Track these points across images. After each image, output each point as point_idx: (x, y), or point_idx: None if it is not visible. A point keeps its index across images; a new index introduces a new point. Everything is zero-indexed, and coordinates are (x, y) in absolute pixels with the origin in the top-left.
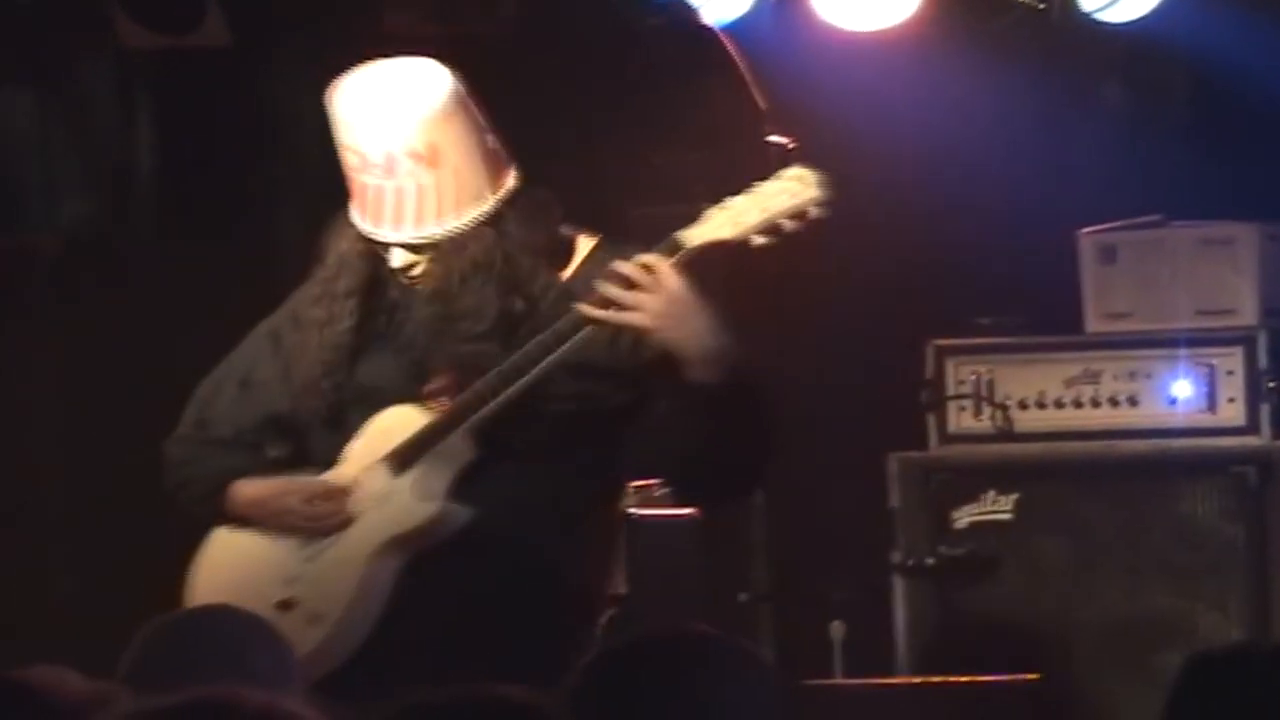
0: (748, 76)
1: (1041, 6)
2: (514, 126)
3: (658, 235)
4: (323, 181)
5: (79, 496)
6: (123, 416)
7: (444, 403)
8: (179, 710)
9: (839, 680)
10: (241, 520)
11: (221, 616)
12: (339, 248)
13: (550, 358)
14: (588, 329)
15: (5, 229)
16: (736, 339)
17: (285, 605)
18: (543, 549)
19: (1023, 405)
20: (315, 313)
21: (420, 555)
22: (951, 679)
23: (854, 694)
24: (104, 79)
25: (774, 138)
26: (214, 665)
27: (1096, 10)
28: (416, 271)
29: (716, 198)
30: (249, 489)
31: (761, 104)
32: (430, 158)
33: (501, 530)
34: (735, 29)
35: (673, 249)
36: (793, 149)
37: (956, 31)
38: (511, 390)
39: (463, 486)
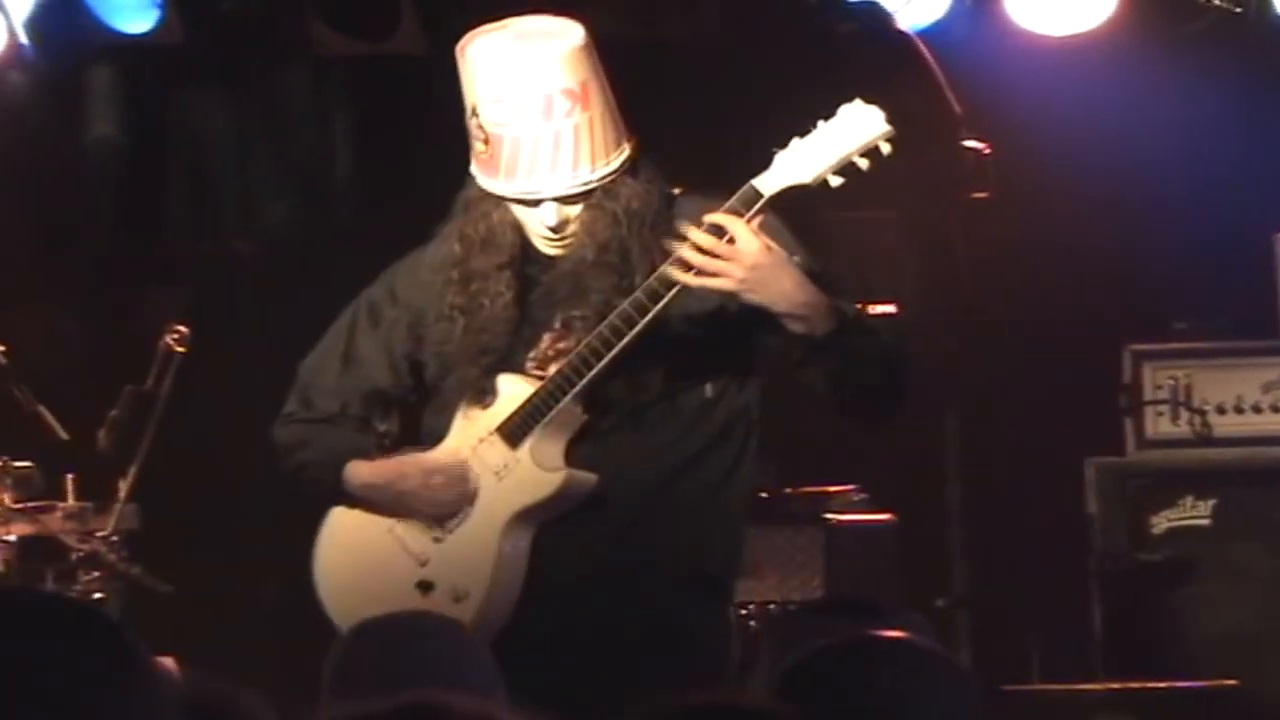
0: (943, 81)
1: (1238, 10)
2: (710, 129)
3: (855, 241)
4: None
5: (282, 501)
6: None
7: (560, 351)
8: (390, 716)
9: (1037, 685)
10: (360, 501)
11: (428, 623)
12: (473, 226)
13: (647, 318)
14: (679, 286)
15: (206, 234)
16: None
17: (424, 586)
18: (658, 511)
19: (1220, 410)
20: (455, 298)
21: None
22: (1149, 684)
23: (1052, 699)
24: (301, 86)
25: (969, 142)
26: (422, 671)
27: None
28: (569, 229)
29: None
30: (365, 471)
31: (956, 108)
32: (583, 96)
33: (623, 496)
34: (930, 34)
35: (751, 199)
36: (988, 153)
37: (1152, 35)
38: (615, 351)
39: (576, 450)
